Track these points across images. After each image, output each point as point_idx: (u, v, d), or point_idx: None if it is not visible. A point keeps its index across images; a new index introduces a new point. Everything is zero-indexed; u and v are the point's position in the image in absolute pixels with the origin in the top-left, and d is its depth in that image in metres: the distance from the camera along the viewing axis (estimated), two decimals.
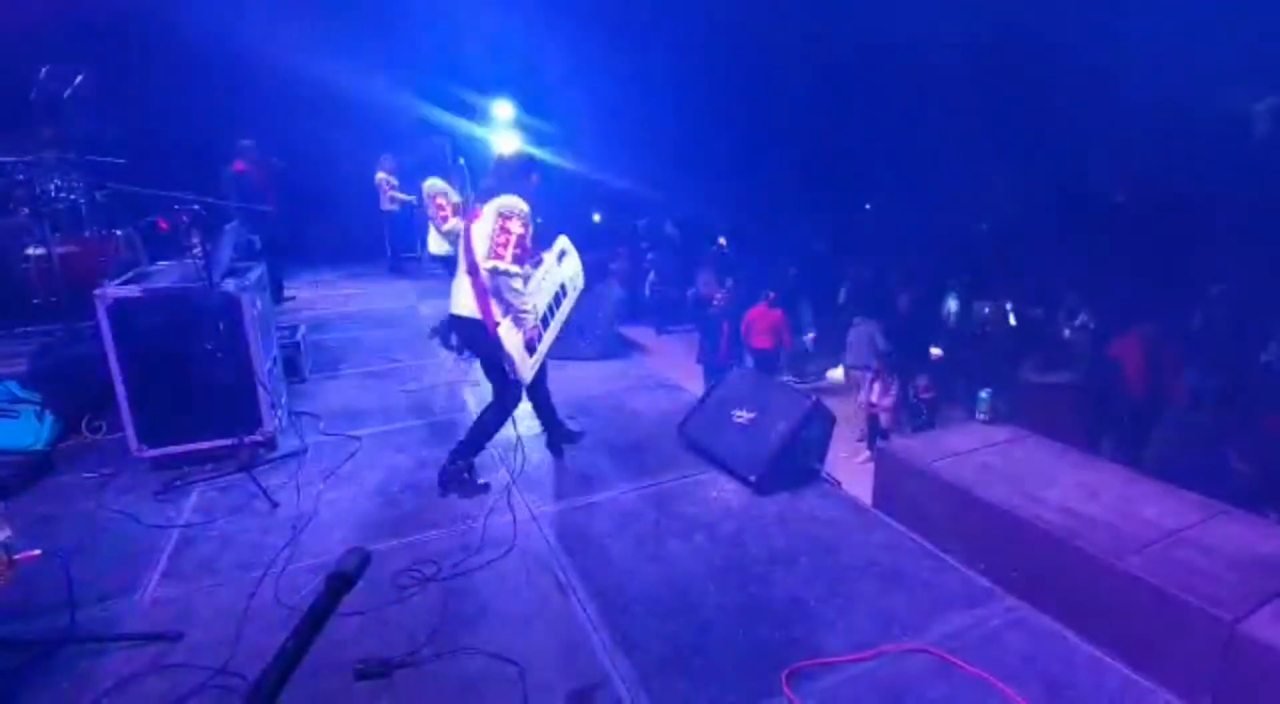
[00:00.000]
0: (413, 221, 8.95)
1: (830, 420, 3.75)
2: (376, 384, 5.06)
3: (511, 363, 3.16)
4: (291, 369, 4.65)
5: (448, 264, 5.81)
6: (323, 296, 7.93)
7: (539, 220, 3.39)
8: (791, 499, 3.37)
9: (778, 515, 3.22)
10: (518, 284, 3.10)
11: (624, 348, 6.29)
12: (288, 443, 3.84)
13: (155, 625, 2.42)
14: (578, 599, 2.60)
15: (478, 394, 4.84)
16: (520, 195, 3.19)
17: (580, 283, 3.76)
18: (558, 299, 3.54)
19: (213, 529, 3.06)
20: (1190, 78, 8.74)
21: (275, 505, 3.22)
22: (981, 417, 4.53)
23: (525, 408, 4.62)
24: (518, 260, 3.06)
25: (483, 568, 2.78)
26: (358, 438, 4.03)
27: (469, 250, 3.22)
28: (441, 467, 3.44)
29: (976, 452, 3.77)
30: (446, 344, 5.77)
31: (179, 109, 7.35)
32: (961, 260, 10.16)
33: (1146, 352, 6.13)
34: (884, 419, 7.33)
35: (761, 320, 8.20)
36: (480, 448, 3.48)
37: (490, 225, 3.10)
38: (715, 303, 8.55)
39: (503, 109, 9.78)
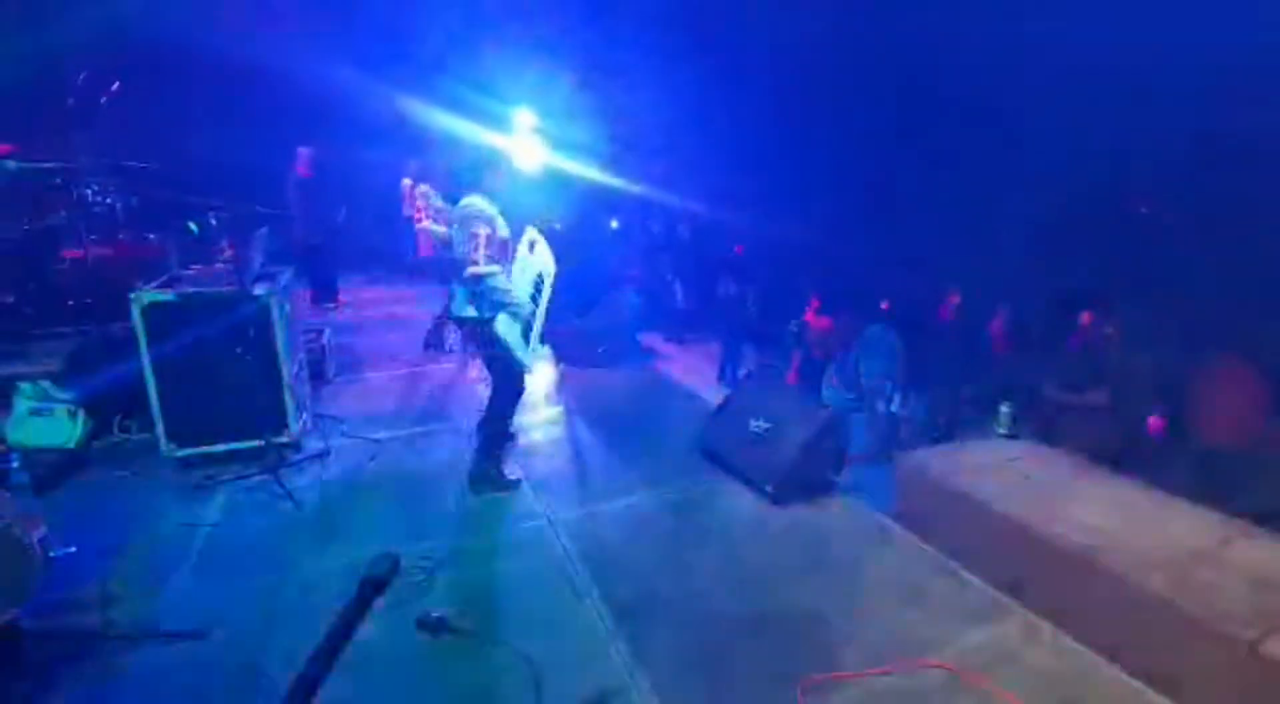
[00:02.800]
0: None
1: (847, 432, 3.75)
2: (398, 386, 5.13)
3: (512, 355, 3.26)
4: (316, 371, 4.73)
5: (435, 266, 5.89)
6: (347, 299, 8.05)
7: (552, 223, 3.46)
8: (808, 510, 3.37)
9: (794, 526, 3.23)
10: (500, 282, 3.18)
11: (642, 355, 6.32)
12: (311, 444, 3.91)
13: (184, 622, 2.48)
14: (594, 605, 2.62)
15: None
16: (484, 193, 3.29)
17: (552, 270, 3.70)
18: (537, 288, 3.55)
19: (239, 528, 3.13)
20: (1228, 84, 8.60)
21: (299, 506, 3.28)
22: (1001, 431, 4.50)
23: (547, 412, 4.70)
24: (492, 260, 3.16)
25: (501, 572, 2.82)
26: (379, 440, 4.09)
27: (453, 254, 3.33)
28: (469, 469, 3.50)
29: (996, 466, 3.74)
30: (440, 347, 5.93)
31: (212, 116, 7.55)
32: (986, 270, 10.06)
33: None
34: (903, 430, 7.27)
35: (814, 330, 8.06)
36: (500, 444, 3.56)
37: (459, 232, 3.21)
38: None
39: (524, 117, 9.88)
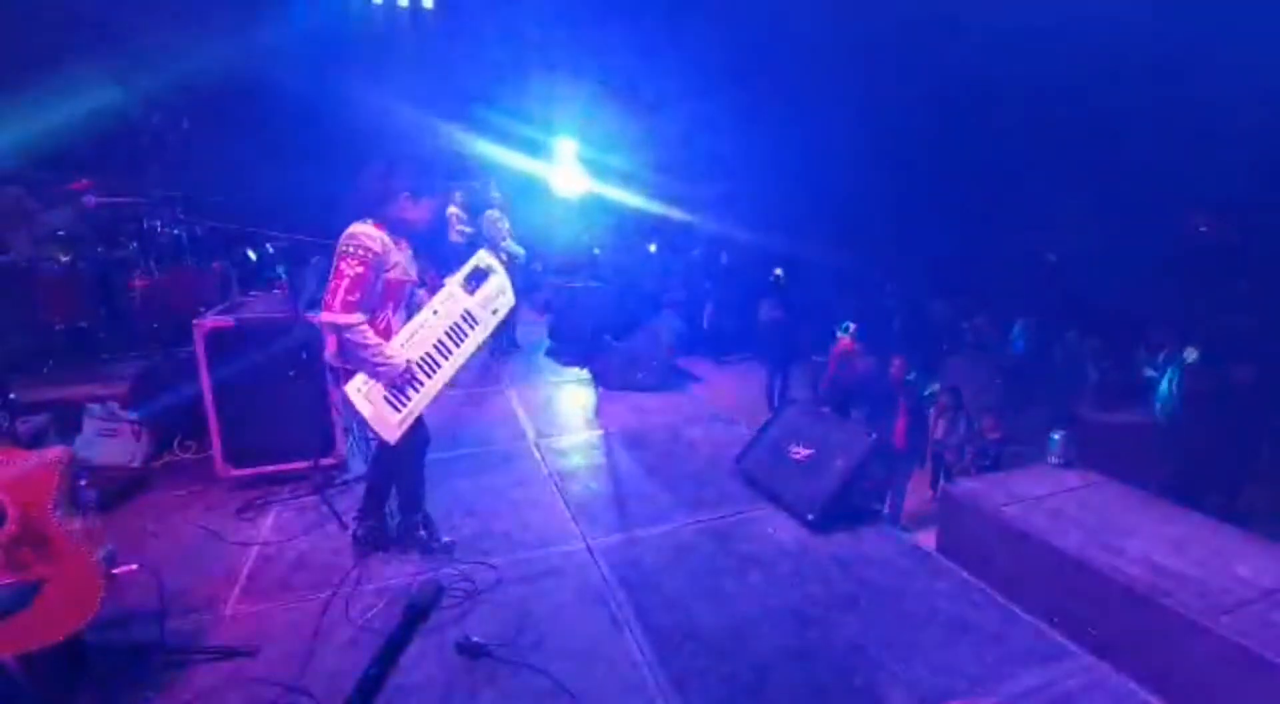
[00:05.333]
0: (476, 251, 9.33)
1: (893, 460, 3.68)
2: (439, 410, 5.23)
3: (366, 425, 2.76)
4: None
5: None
6: None
7: (520, 254, 2.99)
8: (851, 540, 3.30)
9: (836, 556, 3.16)
10: (360, 337, 2.60)
11: (681, 379, 6.32)
12: (357, 466, 4.01)
13: (235, 639, 2.55)
14: (632, 635, 2.60)
15: (536, 423, 4.96)
16: (388, 220, 2.73)
17: (506, 301, 3.15)
18: (456, 334, 2.95)
19: (288, 548, 3.22)
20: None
21: (345, 528, 3.36)
22: (1054, 459, 4.33)
23: (585, 436, 4.72)
24: (350, 308, 2.57)
25: (540, 597, 2.83)
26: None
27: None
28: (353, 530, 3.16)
29: (1049, 496, 3.60)
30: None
31: (269, 151, 7.98)
32: (1031, 292, 9.81)
33: None
34: (949, 457, 7.07)
35: (846, 353, 8.01)
36: (378, 505, 3.12)
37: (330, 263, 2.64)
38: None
39: (566, 145, 10.12)
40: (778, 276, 11.52)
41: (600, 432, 4.84)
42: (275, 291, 3.88)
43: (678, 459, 4.34)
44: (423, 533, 3.11)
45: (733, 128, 12.28)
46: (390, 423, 2.72)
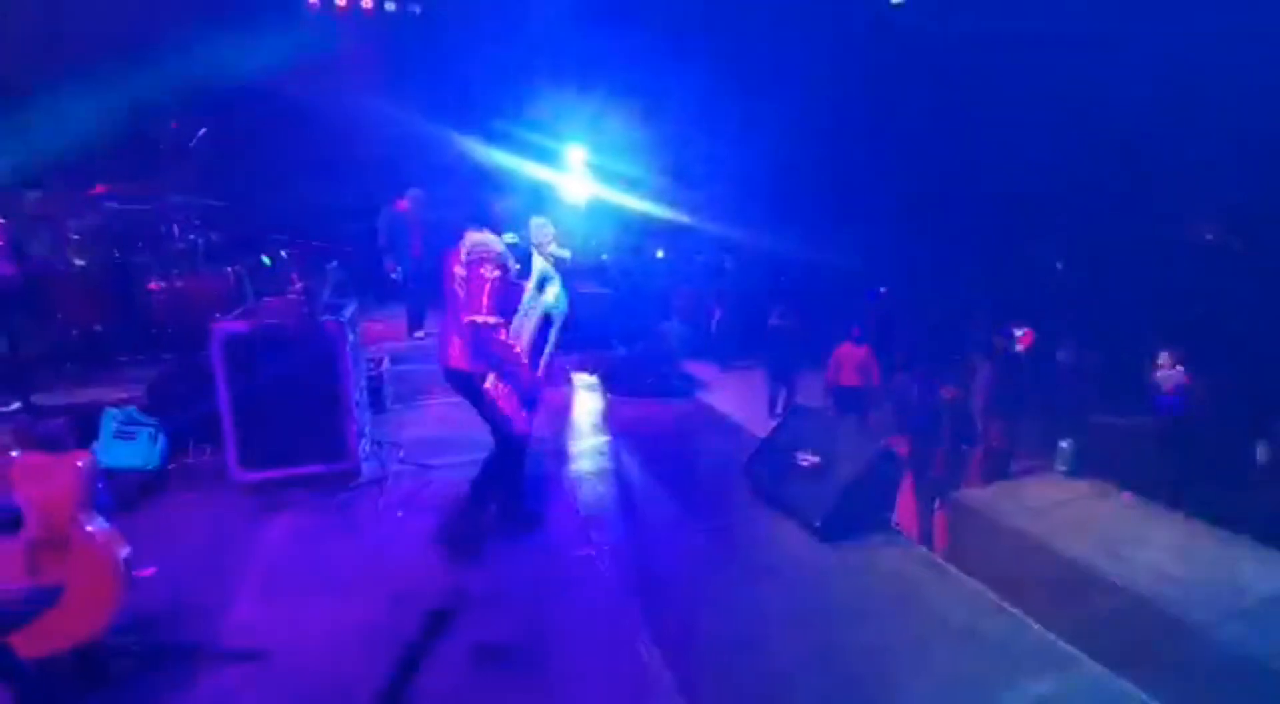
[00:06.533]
0: None
1: (901, 467, 3.69)
2: (452, 415, 5.27)
3: (506, 418, 2.98)
4: (375, 399, 4.91)
5: None
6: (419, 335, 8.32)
7: (566, 257, 3.28)
8: (858, 547, 3.31)
9: (844, 564, 3.18)
10: (502, 335, 2.85)
11: (688, 385, 6.35)
12: (370, 470, 4.05)
13: (250, 642, 2.58)
14: (643, 641, 2.62)
15: (552, 426, 4.97)
16: (491, 227, 2.97)
17: (563, 307, 3.36)
18: (543, 333, 3.21)
19: (301, 552, 3.25)
20: None
21: (358, 531, 3.40)
22: (1061, 468, 4.34)
23: (593, 441, 4.75)
24: (494, 311, 2.82)
25: (552, 603, 2.85)
26: (433, 467, 4.20)
27: (451, 297, 2.99)
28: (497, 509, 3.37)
29: (1057, 505, 3.62)
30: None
31: (286, 160, 8.10)
32: (1034, 299, 9.80)
33: None
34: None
35: (850, 358, 8.04)
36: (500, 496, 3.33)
37: (464, 271, 2.86)
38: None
39: (575, 152, 10.17)
40: (782, 283, 11.55)
41: (608, 437, 4.86)
42: (290, 297, 3.92)
43: (685, 465, 4.37)
44: (525, 516, 3.33)
45: (739, 131, 12.30)
46: (522, 415, 3.03)
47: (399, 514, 3.60)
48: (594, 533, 3.46)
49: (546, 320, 3.20)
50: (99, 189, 4.72)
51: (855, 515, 3.42)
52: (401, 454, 4.36)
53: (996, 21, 10.00)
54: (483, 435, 4.78)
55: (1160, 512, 3.58)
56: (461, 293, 2.88)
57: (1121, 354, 8.18)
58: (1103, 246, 10.73)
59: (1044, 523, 3.39)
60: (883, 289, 10.06)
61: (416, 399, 5.61)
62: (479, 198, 3.02)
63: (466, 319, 2.84)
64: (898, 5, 10.89)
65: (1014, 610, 2.81)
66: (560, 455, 4.46)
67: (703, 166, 12.43)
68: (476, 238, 2.91)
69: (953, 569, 3.20)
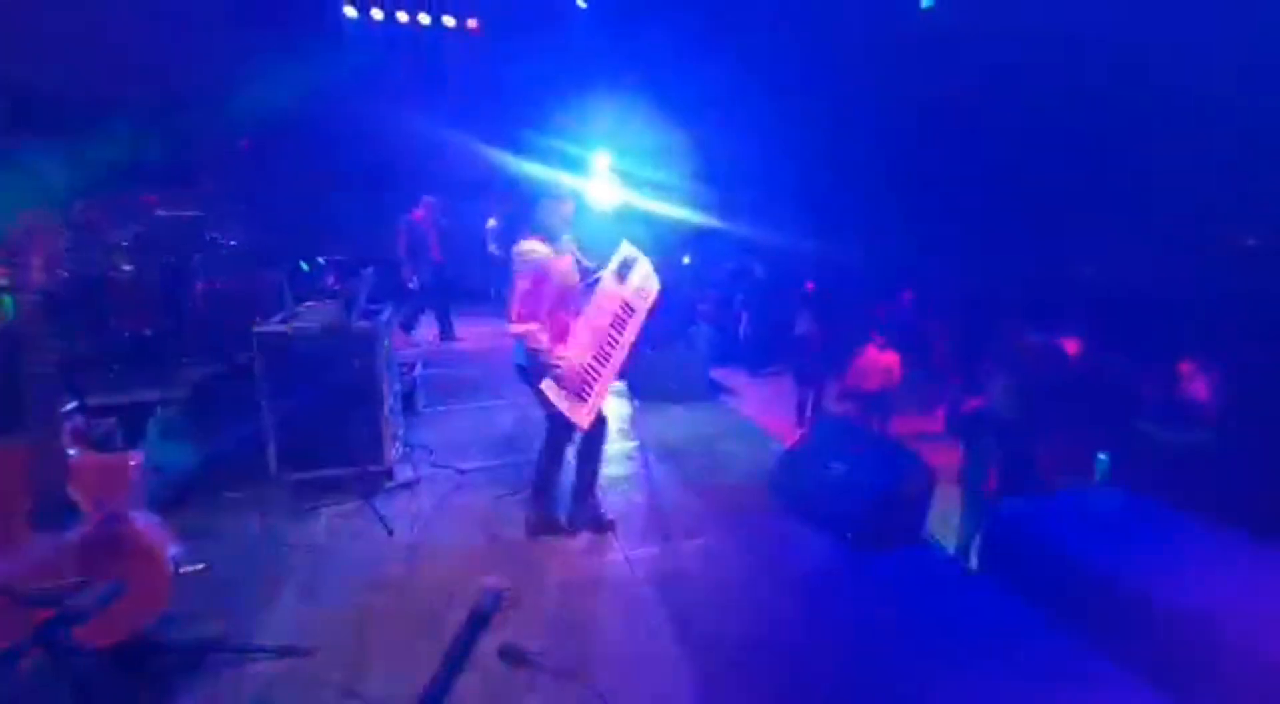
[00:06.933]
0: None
1: (931, 476, 3.65)
2: (482, 419, 5.35)
3: (562, 415, 3.09)
4: (408, 402, 5.00)
5: None
6: (435, 334, 8.48)
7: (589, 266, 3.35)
8: (890, 559, 3.28)
9: (874, 575, 3.15)
10: (535, 342, 2.98)
11: (716, 391, 6.34)
12: (403, 473, 4.12)
13: (291, 639, 2.64)
14: (672, 647, 2.63)
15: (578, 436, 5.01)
16: (547, 234, 3.07)
17: (653, 287, 3.38)
18: (619, 324, 3.23)
19: (338, 552, 3.32)
20: None
21: (390, 533, 3.46)
22: (1100, 481, 4.25)
23: (621, 446, 4.78)
24: (524, 317, 2.98)
25: (579, 606, 2.88)
26: (464, 471, 4.27)
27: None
28: (525, 515, 3.50)
29: (1098, 518, 3.53)
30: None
31: (323, 169, 8.37)
32: (1064, 304, 9.56)
33: None
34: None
35: (875, 364, 8.00)
36: (549, 494, 3.44)
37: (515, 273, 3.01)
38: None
39: (601, 158, 10.25)
40: (810, 291, 11.47)
41: (636, 443, 4.88)
42: (328, 302, 4.02)
43: (713, 472, 4.36)
44: (598, 512, 3.43)
45: (768, 134, 12.26)
46: (580, 412, 3.08)
47: (430, 516, 3.66)
48: (623, 537, 3.48)
49: (627, 309, 3.23)
50: (150, 198, 4.91)
51: (887, 526, 3.39)
52: (432, 457, 4.43)
53: (1028, 19, 9.81)
54: (517, 437, 4.90)
55: (1206, 526, 3.47)
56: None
57: (1156, 362, 7.96)
58: (1138, 250, 10.43)
59: (1084, 536, 3.31)
60: (908, 294, 9.93)
61: (447, 403, 5.70)
62: (527, 203, 3.12)
63: (510, 327, 3.02)
64: (928, 9, 10.77)
65: (1054, 626, 2.76)
66: None
67: (731, 170, 12.42)
68: (522, 246, 3.04)
69: (989, 582, 3.15)
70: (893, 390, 8.06)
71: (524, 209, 3.13)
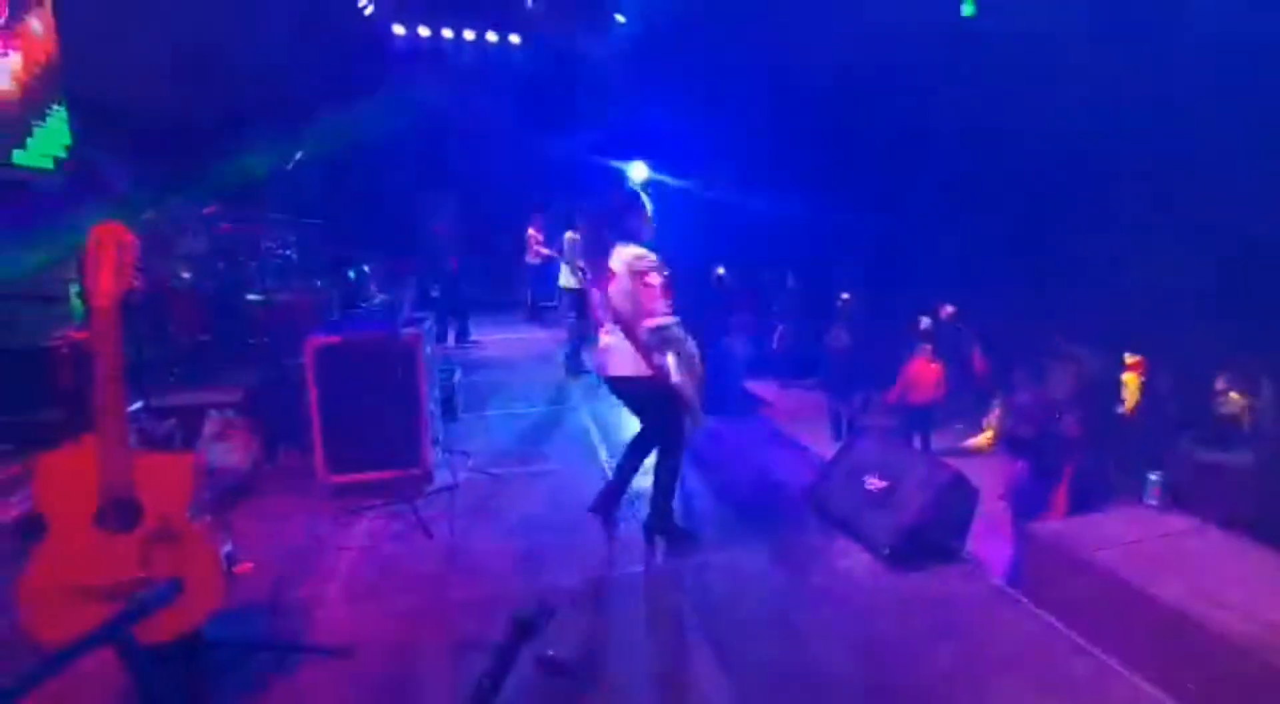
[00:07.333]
0: (551, 272, 9.69)
1: (974, 494, 3.58)
2: (518, 425, 5.45)
3: (690, 411, 3.28)
4: (447, 408, 5.12)
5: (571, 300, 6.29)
6: (473, 341, 8.66)
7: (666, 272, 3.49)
8: (928, 577, 3.23)
9: (912, 594, 3.10)
10: (678, 332, 3.18)
11: (748, 402, 6.33)
12: (442, 477, 4.22)
13: (333, 639, 2.72)
14: (705, 660, 2.62)
15: (608, 442, 5.06)
16: (636, 241, 3.23)
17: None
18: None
19: (379, 554, 3.42)
20: None
21: (430, 537, 3.55)
22: (1151, 502, 4.10)
23: (653, 457, 4.79)
24: (669, 311, 3.17)
25: (614, 616, 2.90)
26: (501, 477, 4.35)
27: (615, 312, 3.24)
28: (646, 522, 3.55)
29: (1145, 541, 3.41)
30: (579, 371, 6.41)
31: (371, 183, 8.71)
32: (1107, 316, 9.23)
33: None
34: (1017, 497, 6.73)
35: (924, 376, 7.90)
36: (669, 507, 3.51)
37: (629, 283, 3.12)
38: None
39: (638, 169, 10.33)
40: (844, 300, 11.34)
41: None
42: (374, 310, 4.16)
43: (746, 484, 4.35)
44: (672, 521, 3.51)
45: (804, 144, 12.17)
46: (698, 409, 3.32)
47: (469, 521, 3.74)
48: (656, 547, 3.50)
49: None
50: (211, 210, 5.17)
51: (926, 543, 3.34)
52: (470, 463, 4.52)
53: (1071, 24, 9.55)
54: (550, 445, 4.97)
55: (1258, 550, 3.33)
56: (628, 304, 3.16)
57: (1203, 378, 7.66)
58: (1184, 258, 9.98)
59: (1131, 559, 3.20)
60: (949, 308, 9.74)
61: (484, 409, 5.81)
62: (616, 213, 3.31)
63: (647, 324, 3.13)
64: (969, 16, 10.59)
65: (1096, 651, 2.69)
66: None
67: (769, 178, 12.36)
68: (633, 250, 3.19)
69: (1029, 604, 3.07)
70: (939, 404, 7.96)
71: (614, 219, 3.30)
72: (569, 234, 7.05)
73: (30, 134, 4.78)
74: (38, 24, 4.81)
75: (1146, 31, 9.25)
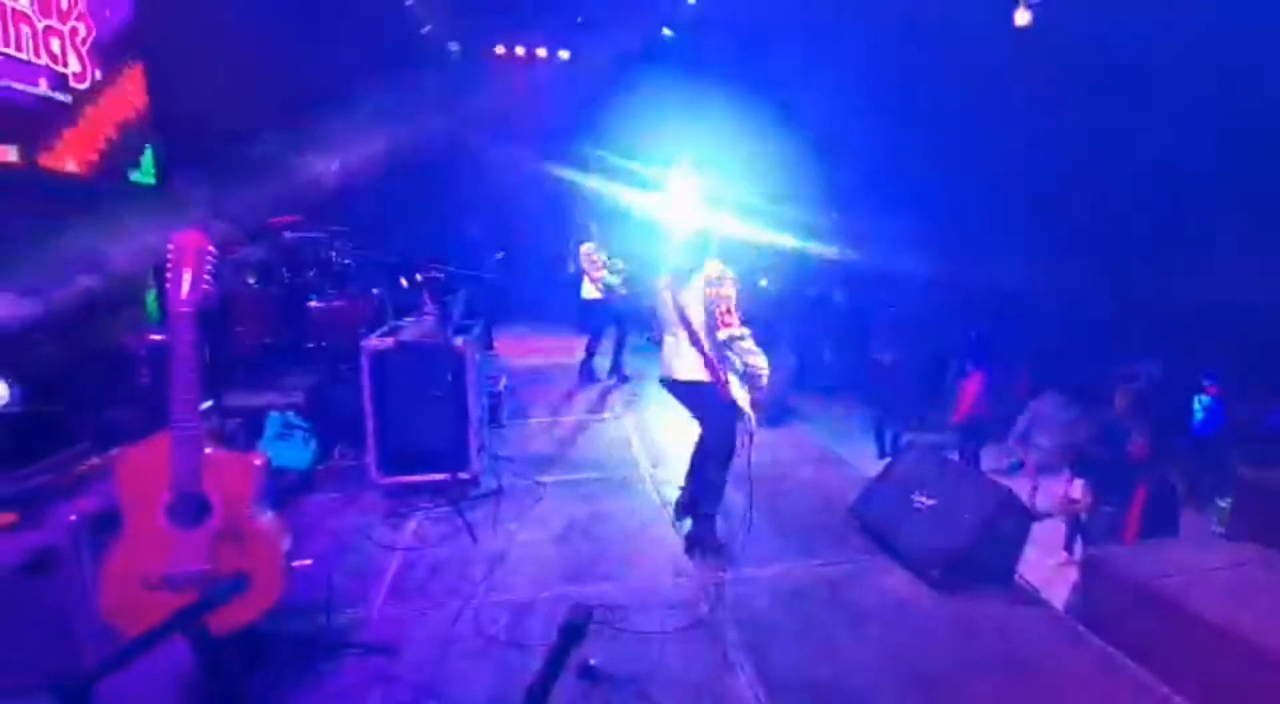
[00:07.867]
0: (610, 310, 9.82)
1: (1026, 516, 3.47)
2: (562, 433, 5.52)
3: (746, 417, 3.42)
4: (492, 415, 5.23)
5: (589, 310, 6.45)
6: (516, 348, 8.81)
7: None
8: (977, 601, 3.13)
9: (961, 617, 3.01)
10: (749, 343, 3.32)
11: (792, 416, 6.26)
12: (487, 482, 4.30)
13: (379, 638, 2.79)
14: (745, 676, 2.61)
15: (648, 452, 5.08)
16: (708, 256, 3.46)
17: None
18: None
19: (426, 555, 3.50)
20: None
21: (475, 540, 3.62)
22: (1219, 529, 3.91)
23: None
24: (731, 325, 3.30)
25: (654, 628, 2.88)
26: (543, 483, 4.41)
27: (685, 322, 3.43)
28: (688, 532, 3.66)
29: (1214, 570, 3.25)
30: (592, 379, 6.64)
31: (426, 195, 9.00)
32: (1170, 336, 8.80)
33: None
34: (1085, 519, 6.48)
35: (980, 394, 7.78)
36: (713, 519, 3.61)
37: (703, 292, 3.35)
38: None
39: (678, 178, 10.36)
40: (892, 313, 11.12)
41: None
42: (426, 317, 4.30)
43: (789, 499, 4.30)
44: (710, 537, 3.57)
45: (857, 152, 11.99)
46: (753, 416, 3.49)
47: (512, 526, 3.81)
48: (696, 560, 3.49)
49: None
50: (275, 219, 5.44)
51: (977, 566, 3.24)
52: (514, 468, 4.60)
53: (1152, 20, 9.16)
54: (591, 454, 5.02)
55: None
56: (701, 312, 3.37)
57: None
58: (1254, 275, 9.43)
59: (1199, 589, 3.05)
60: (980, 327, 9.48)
61: (527, 417, 5.91)
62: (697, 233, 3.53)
63: (722, 334, 3.30)
64: (1024, 28, 10.32)
65: (1159, 684, 2.56)
66: (662, 481, 4.52)
67: (816, 191, 12.23)
68: (716, 266, 3.41)
69: (1086, 631, 2.96)
70: (991, 420, 7.80)
71: (695, 238, 3.53)
72: (586, 245, 7.01)
73: (142, 152, 5.25)
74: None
75: None
